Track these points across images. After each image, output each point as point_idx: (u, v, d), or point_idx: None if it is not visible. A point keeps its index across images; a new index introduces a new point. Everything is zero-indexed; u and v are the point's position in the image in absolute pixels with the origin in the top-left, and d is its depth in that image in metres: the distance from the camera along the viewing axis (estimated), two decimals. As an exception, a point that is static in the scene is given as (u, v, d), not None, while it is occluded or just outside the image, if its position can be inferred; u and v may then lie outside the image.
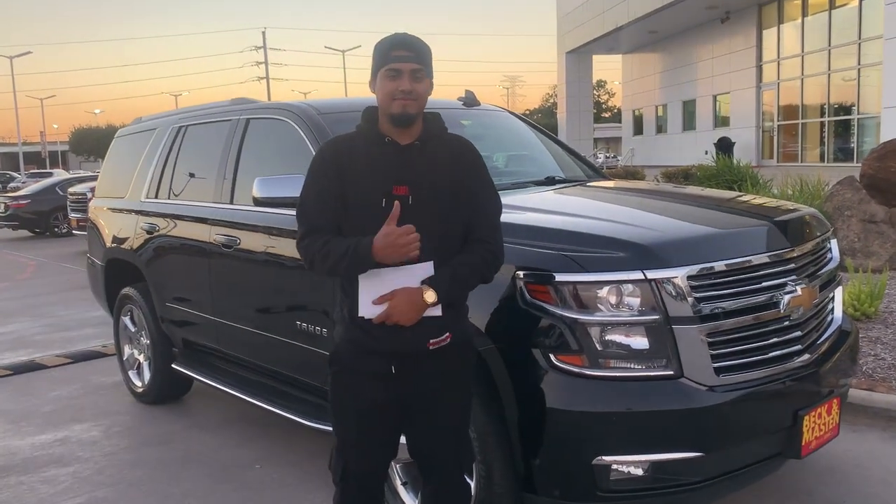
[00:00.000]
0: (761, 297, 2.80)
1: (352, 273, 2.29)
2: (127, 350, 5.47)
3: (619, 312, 2.62)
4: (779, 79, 24.88)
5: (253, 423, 4.70)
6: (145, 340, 5.19)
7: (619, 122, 48.23)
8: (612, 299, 2.62)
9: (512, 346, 2.73)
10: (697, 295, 2.65)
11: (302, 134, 3.78)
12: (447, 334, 2.35)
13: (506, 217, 3.04)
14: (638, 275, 2.61)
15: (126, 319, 5.40)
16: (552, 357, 2.63)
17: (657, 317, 2.61)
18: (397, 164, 2.31)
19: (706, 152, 26.04)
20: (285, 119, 3.94)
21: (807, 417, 2.85)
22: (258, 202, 3.49)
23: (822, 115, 22.88)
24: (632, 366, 2.63)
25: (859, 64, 20.56)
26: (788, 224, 3.10)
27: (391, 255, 2.21)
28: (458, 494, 2.57)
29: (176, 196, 4.78)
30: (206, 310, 4.39)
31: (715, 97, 28.76)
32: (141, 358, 5.32)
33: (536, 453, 2.68)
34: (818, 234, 3.27)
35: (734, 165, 12.84)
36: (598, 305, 2.62)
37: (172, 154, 4.92)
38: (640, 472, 2.62)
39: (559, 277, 2.64)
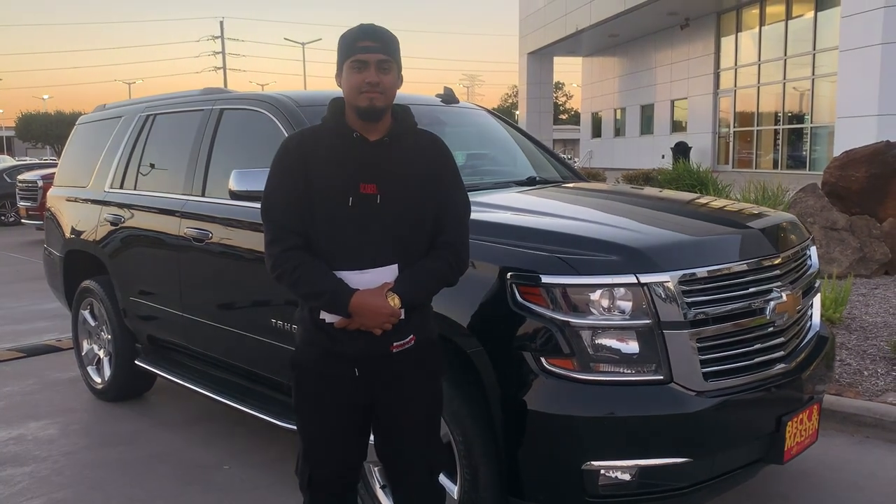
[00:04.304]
0: (748, 303, 2.80)
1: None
2: (86, 345, 5.28)
3: (610, 316, 2.59)
4: (735, 86, 25.36)
5: (218, 422, 4.57)
6: (106, 335, 5.02)
7: (577, 124, 48.67)
8: (605, 303, 2.59)
9: (501, 348, 2.68)
10: (688, 300, 2.64)
11: (280, 126, 3.67)
12: (411, 336, 2.29)
13: (495, 217, 3.03)
14: (631, 278, 2.58)
15: (85, 313, 5.21)
16: (542, 360, 2.59)
17: (648, 321, 2.58)
18: (365, 161, 2.23)
19: (663, 156, 26.48)
20: (262, 111, 3.83)
21: (790, 423, 2.86)
22: (234, 195, 3.39)
23: (777, 122, 23.40)
24: (622, 370, 2.60)
25: (813, 74, 21.06)
26: (773, 230, 3.12)
27: (367, 323, 2.18)
28: (430, 500, 2.50)
29: (143, 187, 4.62)
30: (174, 305, 4.25)
31: (673, 102, 29.19)
32: (101, 353, 5.14)
33: (525, 457, 2.64)
34: (799, 240, 3.29)
35: (694, 170, 13.03)
36: (591, 309, 2.58)
37: (139, 143, 4.76)
38: (627, 477, 2.60)
39: (551, 279, 2.59)
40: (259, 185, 3.29)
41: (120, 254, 4.72)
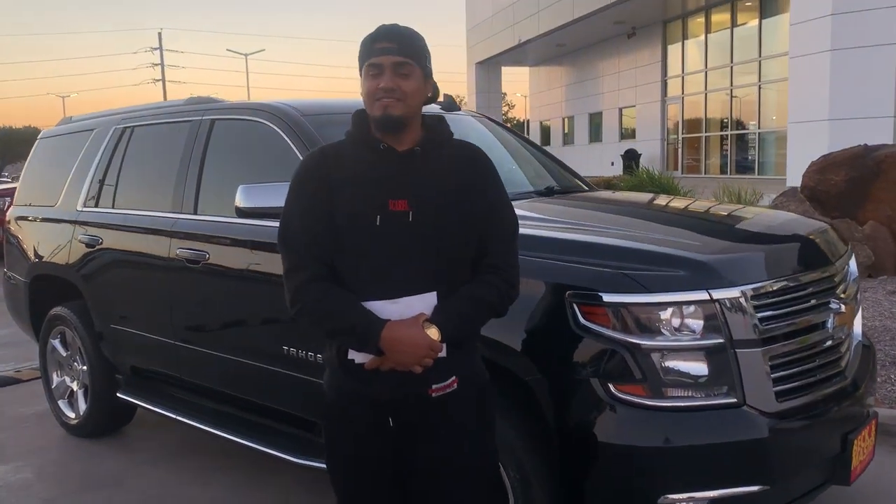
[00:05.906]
0: (813, 316, 2.65)
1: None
2: (56, 377, 4.87)
3: (681, 336, 2.40)
4: (683, 93, 25.76)
5: (211, 457, 4.22)
6: (80, 366, 4.62)
7: (521, 133, 49.04)
8: (676, 322, 2.40)
9: (564, 374, 2.46)
10: (760, 315, 2.46)
11: (285, 137, 3.40)
12: (453, 378, 1.99)
13: (540, 231, 2.81)
14: (703, 295, 2.39)
15: (55, 342, 4.80)
16: (610, 386, 2.38)
17: (721, 340, 2.40)
18: (394, 174, 1.97)
19: (612, 164, 26.74)
20: (263, 121, 3.55)
21: (855, 441, 2.71)
22: (242, 213, 3.11)
23: (724, 128, 23.82)
24: (696, 394, 2.40)
25: (760, 81, 21.49)
26: (823, 240, 2.98)
27: (403, 361, 1.90)
28: None
29: (123, 205, 4.26)
30: (165, 333, 3.90)
31: (621, 110, 29.51)
32: (74, 385, 4.74)
33: (594, 494, 2.42)
34: (843, 249, 3.17)
35: (656, 176, 13.07)
36: (661, 329, 2.39)
37: (116, 158, 4.40)
38: (700, 509, 2.41)
39: (618, 298, 2.39)
40: (268, 200, 3.04)
41: (98, 277, 4.34)
